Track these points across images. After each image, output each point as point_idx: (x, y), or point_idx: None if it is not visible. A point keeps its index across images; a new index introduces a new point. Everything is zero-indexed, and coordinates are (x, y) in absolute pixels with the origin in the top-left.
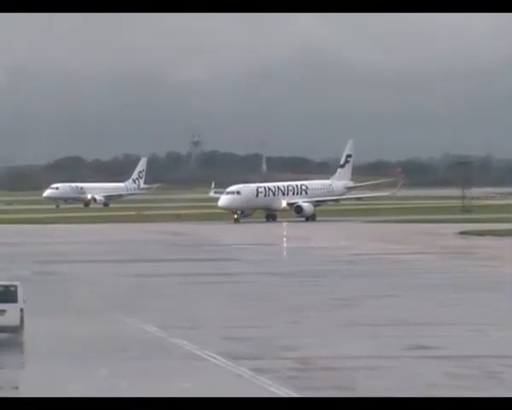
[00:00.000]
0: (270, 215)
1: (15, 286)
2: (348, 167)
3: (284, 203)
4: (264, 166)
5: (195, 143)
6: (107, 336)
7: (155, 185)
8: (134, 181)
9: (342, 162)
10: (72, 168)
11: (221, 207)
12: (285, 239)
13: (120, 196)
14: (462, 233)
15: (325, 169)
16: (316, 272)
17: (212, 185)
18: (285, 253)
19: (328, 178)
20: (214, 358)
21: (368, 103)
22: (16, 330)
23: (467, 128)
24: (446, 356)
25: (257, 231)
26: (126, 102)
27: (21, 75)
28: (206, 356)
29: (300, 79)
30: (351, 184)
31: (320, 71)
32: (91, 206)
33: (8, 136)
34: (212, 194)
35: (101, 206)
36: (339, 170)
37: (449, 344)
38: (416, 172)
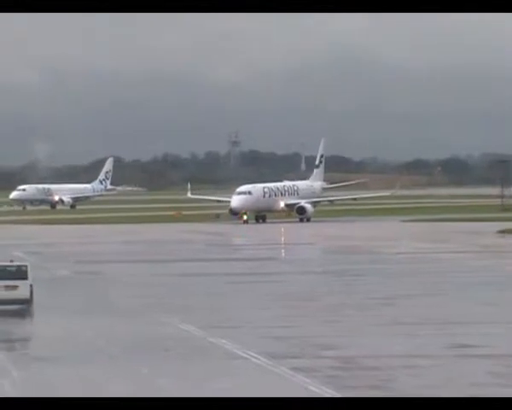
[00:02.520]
0: (260, 216)
1: (26, 266)
2: (322, 168)
3: (282, 204)
4: (303, 166)
5: (234, 143)
6: (147, 335)
7: (122, 187)
8: (101, 182)
9: (317, 162)
10: (112, 168)
11: (234, 209)
12: (320, 238)
13: (87, 197)
14: (500, 232)
15: (364, 168)
16: (359, 270)
17: (188, 187)
18: (324, 251)
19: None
20: (254, 357)
21: (405, 102)
22: (27, 302)
23: (506, 126)
24: (487, 355)
25: (280, 231)
26: (165, 103)
27: (57, 76)
28: (245, 355)
29: (339, 78)
30: (325, 185)
31: (358, 70)
32: (58, 208)
33: (49, 136)
34: (189, 195)
35: (68, 208)
36: (315, 170)
37: (490, 343)
38: (455, 171)
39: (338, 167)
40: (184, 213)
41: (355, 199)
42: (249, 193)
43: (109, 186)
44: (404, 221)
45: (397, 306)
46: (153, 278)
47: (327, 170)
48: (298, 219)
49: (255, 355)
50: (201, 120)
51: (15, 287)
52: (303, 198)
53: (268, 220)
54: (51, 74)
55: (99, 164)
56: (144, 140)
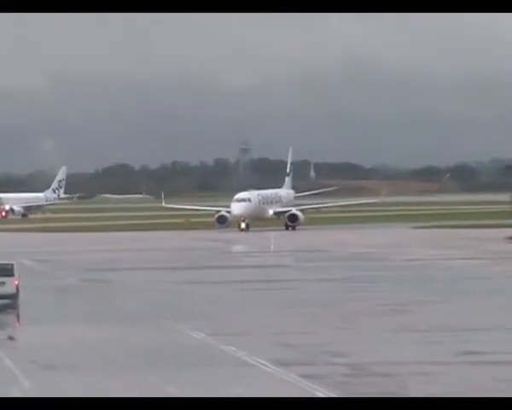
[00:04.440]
0: (246, 224)
1: (12, 264)
2: (291, 176)
3: (271, 212)
4: (312, 173)
5: (244, 151)
6: (157, 343)
7: (76, 195)
8: (54, 191)
9: (288, 171)
10: (120, 176)
11: (236, 216)
12: (331, 245)
13: (40, 206)
14: (510, 238)
15: (375, 175)
16: (369, 277)
17: (162, 196)
18: (337, 258)
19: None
20: (264, 364)
21: (416, 108)
22: (13, 297)
23: None
24: (498, 361)
25: (285, 238)
26: (172, 110)
27: (63, 81)
28: (255, 363)
29: (351, 85)
30: (294, 193)
31: (369, 76)
32: (10, 217)
33: (56, 143)
34: (164, 204)
35: (20, 217)
36: (286, 179)
37: (500, 349)
38: (465, 178)
39: (347, 174)
40: (193, 220)
41: (343, 206)
42: (249, 200)
43: (62, 195)
44: (414, 228)
45: (408, 313)
46: (164, 285)
47: (337, 177)
48: (284, 228)
49: (265, 362)
50: (211, 127)
51: (2, 283)
52: (285, 206)
53: (251, 228)
54: (52, 79)
55: (109, 171)
56: (153, 147)
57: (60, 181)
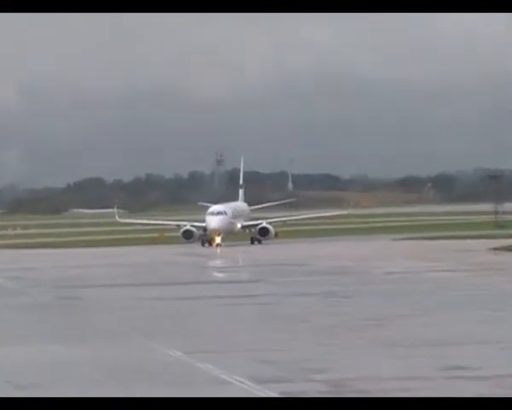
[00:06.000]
0: (206, 240)
1: None
2: (244, 188)
3: (239, 225)
4: (290, 184)
5: (219, 162)
6: (132, 361)
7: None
8: None
9: (241, 182)
10: (93, 190)
11: (212, 230)
12: (313, 259)
13: None
14: (494, 249)
15: (354, 186)
16: (349, 292)
17: (115, 211)
18: (325, 273)
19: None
20: (241, 382)
21: (396, 116)
22: None
23: (498, 140)
24: (481, 377)
25: (258, 252)
26: (146, 121)
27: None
28: (232, 380)
29: (327, 92)
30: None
31: (346, 83)
32: None
33: (26, 157)
34: (117, 219)
35: None
36: (240, 191)
37: (483, 364)
38: (447, 187)
39: (326, 185)
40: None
41: (306, 219)
42: (225, 213)
43: None
44: (394, 239)
45: (388, 327)
46: (139, 302)
47: (317, 189)
48: (249, 242)
49: (241, 379)
50: (185, 140)
51: None
52: (246, 219)
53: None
54: (23, 91)
55: (80, 185)
56: (126, 160)
57: None
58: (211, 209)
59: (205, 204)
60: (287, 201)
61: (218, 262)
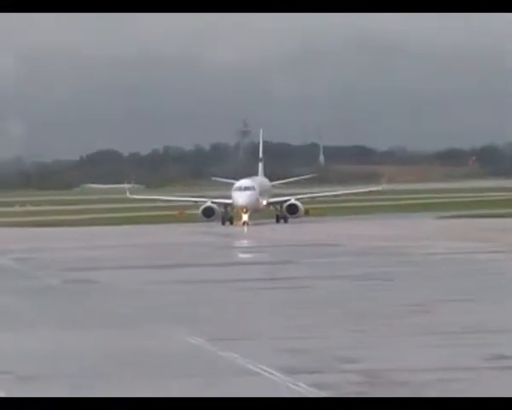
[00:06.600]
0: (227, 218)
1: None
2: (264, 162)
3: (265, 202)
4: (321, 157)
5: (244, 133)
6: (151, 349)
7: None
8: None
9: (261, 156)
10: (108, 163)
11: (240, 206)
12: (347, 238)
13: None
14: None
15: (390, 159)
16: (386, 273)
17: (126, 187)
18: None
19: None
20: (270, 373)
21: (436, 86)
22: None
23: None
24: None
25: (288, 231)
26: (166, 91)
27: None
28: (259, 371)
29: (363, 61)
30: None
31: (384, 52)
32: None
33: (35, 127)
34: (128, 195)
35: None
36: (260, 164)
37: None
38: (493, 161)
39: (360, 159)
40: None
41: (336, 196)
42: (253, 188)
43: None
44: (437, 218)
45: (429, 313)
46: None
47: (350, 162)
48: (275, 220)
49: (270, 370)
50: (207, 109)
51: None
52: (268, 196)
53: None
54: (37, 59)
55: (94, 159)
56: (143, 131)
57: None
58: (238, 184)
59: (219, 179)
60: (310, 176)
61: (244, 242)
